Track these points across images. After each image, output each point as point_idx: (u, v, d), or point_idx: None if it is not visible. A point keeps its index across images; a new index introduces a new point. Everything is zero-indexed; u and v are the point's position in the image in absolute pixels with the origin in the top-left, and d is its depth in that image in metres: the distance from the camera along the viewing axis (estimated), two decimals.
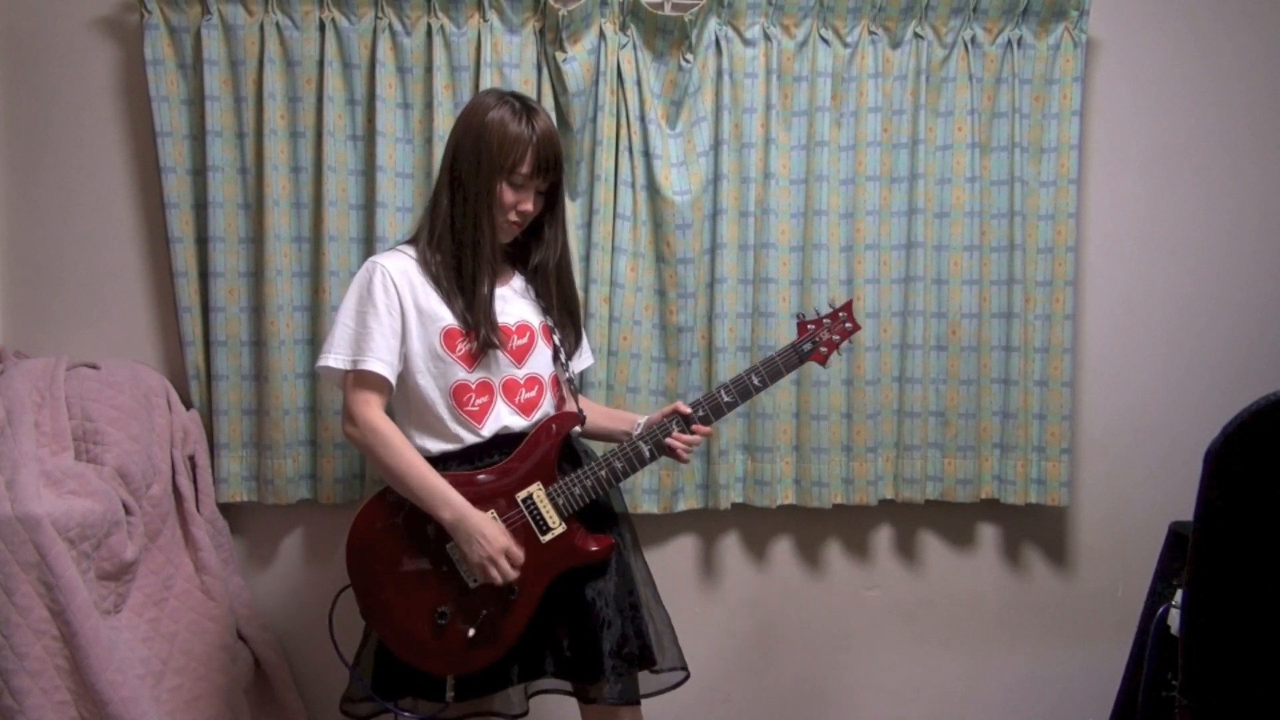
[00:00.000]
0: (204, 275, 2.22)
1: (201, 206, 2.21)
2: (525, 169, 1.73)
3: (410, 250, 1.80)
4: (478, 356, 1.75)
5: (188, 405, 2.23)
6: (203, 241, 2.22)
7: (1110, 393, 2.48)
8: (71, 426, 1.89)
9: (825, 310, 1.91)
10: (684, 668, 1.86)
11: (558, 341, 1.86)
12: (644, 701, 1.81)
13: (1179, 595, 1.93)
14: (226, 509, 2.24)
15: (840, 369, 2.31)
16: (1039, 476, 2.36)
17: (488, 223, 1.74)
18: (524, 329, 1.82)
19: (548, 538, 1.74)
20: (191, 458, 2.16)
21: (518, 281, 1.88)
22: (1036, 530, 2.50)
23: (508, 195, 1.74)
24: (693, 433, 1.81)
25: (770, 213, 2.28)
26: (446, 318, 1.74)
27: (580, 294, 2.10)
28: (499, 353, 1.77)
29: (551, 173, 1.77)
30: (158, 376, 2.19)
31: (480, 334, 1.73)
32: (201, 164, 2.19)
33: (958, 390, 2.36)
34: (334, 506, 2.28)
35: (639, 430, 1.84)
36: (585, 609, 1.75)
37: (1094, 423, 2.48)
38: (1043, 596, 2.51)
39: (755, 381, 1.82)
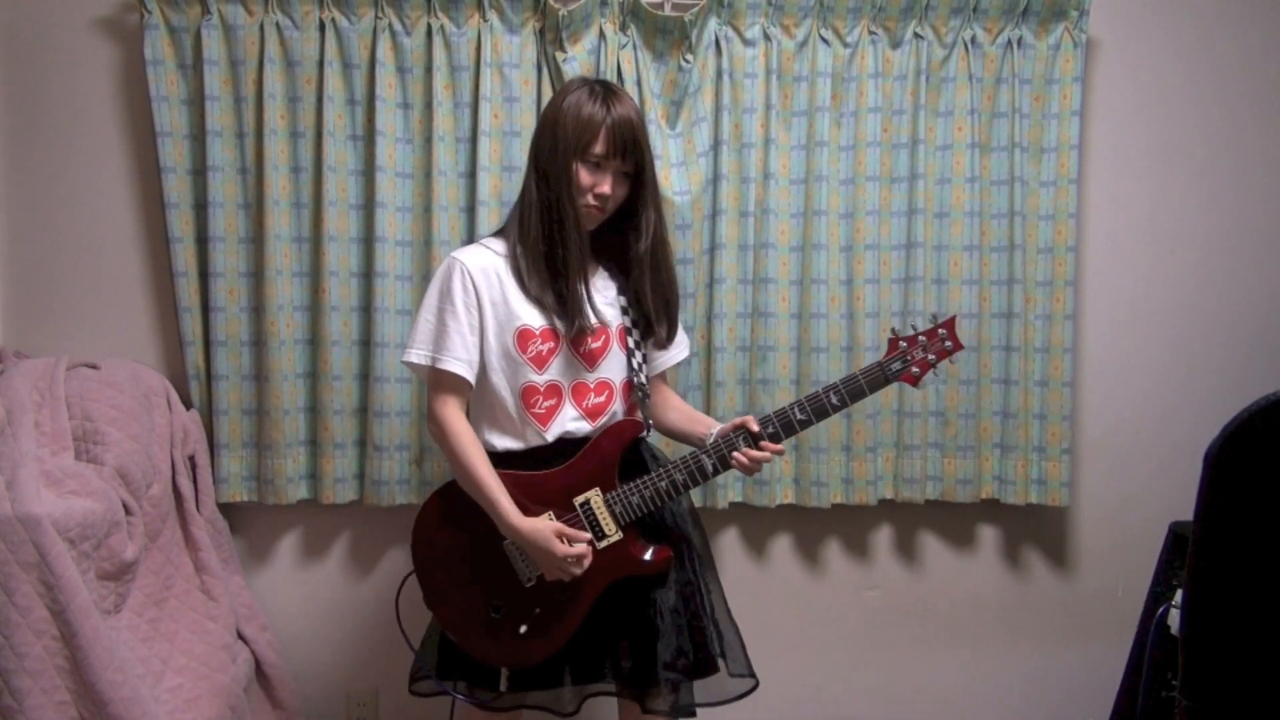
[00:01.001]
0: (204, 275, 2.22)
1: (201, 206, 2.21)
2: (599, 148, 1.70)
3: (497, 245, 1.80)
4: (548, 358, 1.75)
5: (188, 405, 2.23)
6: (203, 241, 2.22)
7: (1111, 393, 2.47)
8: (71, 426, 1.89)
9: (924, 325, 1.79)
10: (752, 674, 1.81)
11: (633, 344, 1.83)
12: (711, 709, 1.80)
13: (1179, 595, 1.93)
14: (226, 509, 2.24)
15: (840, 369, 2.31)
16: (1039, 477, 2.36)
17: (568, 207, 1.72)
18: (600, 332, 1.79)
19: (603, 544, 1.74)
20: (191, 458, 2.16)
21: (599, 279, 1.84)
22: (1037, 530, 2.50)
23: (584, 177, 1.71)
24: (760, 449, 1.72)
25: (770, 213, 2.28)
26: (522, 317, 1.74)
27: None
28: (572, 355, 1.77)
29: (632, 155, 1.73)
30: (158, 376, 2.19)
31: (574, 323, 1.72)
32: (201, 164, 2.19)
33: (958, 390, 2.36)
34: (334, 506, 2.28)
35: (711, 439, 1.76)
36: (644, 620, 1.74)
37: (1094, 423, 2.48)
38: (1043, 597, 2.51)
39: (834, 400, 1.73)
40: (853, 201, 2.31)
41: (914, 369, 1.76)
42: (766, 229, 2.28)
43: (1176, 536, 2.09)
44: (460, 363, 1.73)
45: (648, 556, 1.75)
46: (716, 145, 2.27)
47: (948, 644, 2.51)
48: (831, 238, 2.29)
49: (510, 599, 1.75)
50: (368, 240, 2.22)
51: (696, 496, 2.34)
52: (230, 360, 2.21)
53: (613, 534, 1.74)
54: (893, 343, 1.78)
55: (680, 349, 1.95)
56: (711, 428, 1.81)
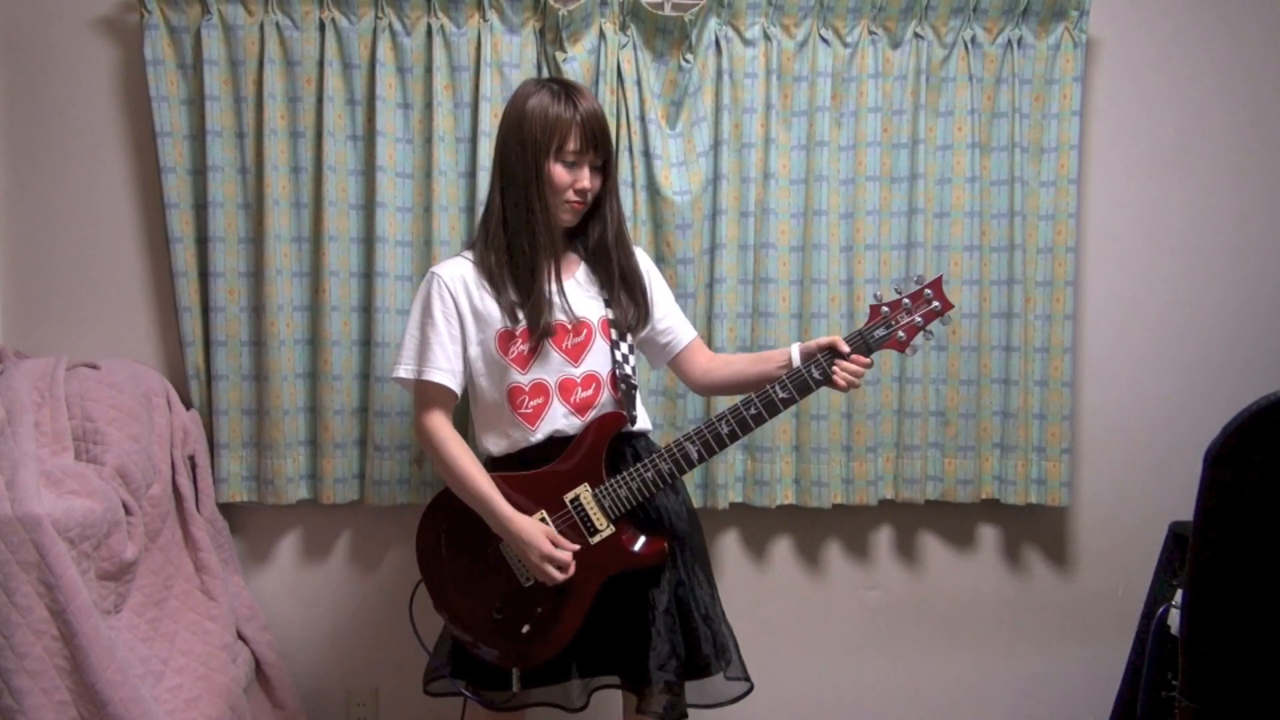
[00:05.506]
0: (204, 275, 2.22)
1: (201, 206, 2.21)
2: (574, 145, 1.73)
3: (470, 254, 1.82)
4: (531, 357, 1.76)
5: (188, 405, 2.23)
6: (203, 241, 2.22)
7: (1110, 393, 2.47)
8: (71, 426, 1.89)
9: (911, 288, 1.70)
10: (747, 678, 1.83)
11: (616, 336, 1.83)
12: (713, 709, 1.81)
13: (1179, 595, 1.93)
14: (226, 509, 2.24)
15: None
16: (1039, 477, 2.36)
17: (540, 208, 1.74)
18: (581, 326, 1.80)
19: (596, 539, 1.75)
20: (191, 458, 2.16)
21: (581, 273, 1.86)
22: (1037, 530, 2.50)
23: (562, 175, 1.74)
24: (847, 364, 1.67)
25: (770, 213, 2.28)
26: (501, 320, 1.76)
27: None
28: (554, 352, 1.77)
29: (603, 147, 1.77)
30: (158, 376, 2.19)
31: (540, 324, 1.74)
32: (201, 164, 2.19)
33: (958, 390, 2.36)
34: (334, 506, 2.28)
35: (797, 361, 1.72)
36: (639, 618, 1.75)
37: (1094, 423, 2.47)
38: (1043, 597, 2.51)
39: (815, 375, 1.71)
40: (853, 201, 2.31)
41: (899, 334, 1.69)
42: (766, 229, 2.28)
43: (1176, 536, 2.09)
44: (443, 373, 1.76)
45: (638, 547, 1.75)
46: (716, 145, 2.27)
47: (948, 644, 2.51)
48: (831, 238, 2.29)
49: (511, 600, 1.77)
50: (368, 240, 2.22)
51: (696, 497, 2.34)
52: (230, 360, 2.21)
53: (604, 528, 1.75)
54: (874, 310, 1.72)
55: (686, 326, 1.97)
56: (789, 354, 1.75)
